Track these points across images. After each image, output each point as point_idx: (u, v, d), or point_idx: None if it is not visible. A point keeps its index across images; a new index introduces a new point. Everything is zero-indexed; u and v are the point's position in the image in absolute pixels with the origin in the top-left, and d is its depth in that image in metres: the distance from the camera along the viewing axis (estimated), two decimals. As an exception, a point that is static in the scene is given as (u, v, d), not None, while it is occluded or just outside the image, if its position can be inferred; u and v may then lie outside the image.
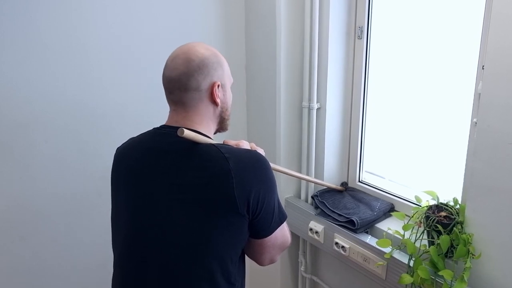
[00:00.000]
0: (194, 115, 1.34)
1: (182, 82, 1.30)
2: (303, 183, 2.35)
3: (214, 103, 1.36)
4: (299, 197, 2.40)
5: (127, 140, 1.45)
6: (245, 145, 1.45)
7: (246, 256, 1.44)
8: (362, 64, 2.11)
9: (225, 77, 1.38)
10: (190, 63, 1.29)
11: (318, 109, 2.20)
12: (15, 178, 1.93)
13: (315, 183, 2.23)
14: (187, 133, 1.22)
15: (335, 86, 2.16)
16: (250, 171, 1.26)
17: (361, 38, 2.09)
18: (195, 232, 1.25)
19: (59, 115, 1.96)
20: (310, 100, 2.20)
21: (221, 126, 1.45)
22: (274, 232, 1.35)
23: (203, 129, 1.35)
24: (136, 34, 2.08)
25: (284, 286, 2.57)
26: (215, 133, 1.46)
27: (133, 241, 1.33)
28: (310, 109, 2.21)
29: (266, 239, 1.35)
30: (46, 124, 1.94)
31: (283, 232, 1.40)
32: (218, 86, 1.34)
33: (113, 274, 1.42)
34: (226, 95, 1.40)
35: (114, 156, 1.45)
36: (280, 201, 1.38)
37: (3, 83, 1.82)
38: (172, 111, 1.37)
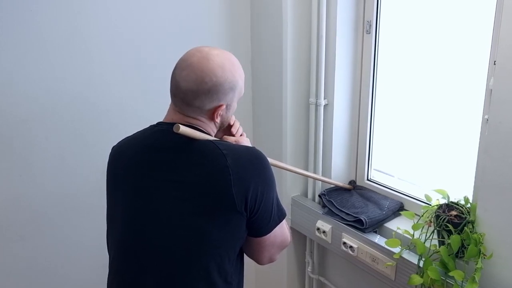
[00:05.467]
0: (193, 122, 1.32)
1: (188, 98, 1.26)
2: (310, 181, 2.32)
3: (213, 120, 1.33)
4: (306, 196, 2.38)
5: (123, 139, 1.44)
6: (245, 141, 1.44)
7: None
8: (370, 59, 2.09)
9: (235, 98, 1.34)
10: (202, 85, 1.24)
11: (325, 105, 2.17)
12: (15, 176, 1.91)
13: (323, 181, 2.21)
14: (183, 129, 1.22)
15: (343, 82, 2.13)
16: (249, 168, 1.25)
17: (369, 33, 2.06)
18: (192, 230, 1.25)
19: (60, 111, 1.95)
20: (317, 96, 2.18)
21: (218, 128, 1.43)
22: (273, 231, 1.35)
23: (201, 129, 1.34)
24: (140, 30, 2.06)
25: (290, 287, 2.55)
26: None
27: (130, 239, 1.32)
28: (317, 105, 2.18)
29: (264, 237, 1.34)
30: (46, 120, 1.93)
31: (282, 231, 1.40)
32: (223, 108, 1.31)
33: (109, 274, 1.41)
34: (229, 112, 1.37)
35: (110, 154, 1.44)
36: (285, 199, 1.36)
37: (2, 79, 1.81)
38: (172, 109, 1.35)
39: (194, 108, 1.28)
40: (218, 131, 1.42)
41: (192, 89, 1.25)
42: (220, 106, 1.29)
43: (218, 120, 1.33)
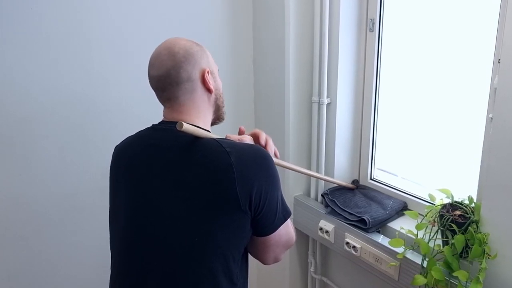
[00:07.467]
0: (191, 108, 1.33)
1: (173, 76, 1.29)
2: (313, 181, 2.31)
3: (208, 90, 1.36)
4: (309, 195, 2.37)
5: (126, 138, 1.44)
6: (248, 140, 1.44)
7: (251, 256, 1.43)
8: (373, 57, 2.07)
9: (211, 64, 1.39)
10: (176, 56, 1.29)
11: (328, 104, 2.16)
12: (15, 176, 1.91)
13: (325, 180, 2.20)
14: (187, 127, 1.20)
15: (346, 81, 2.12)
16: (253, 165, 1.24)
17: (372, 31, 2.05)
18: (197, 230, 1.23)
19: (60, 110, 1.94)
20: (320, 94, 2.16)
21: (217, 116, 1.45)
22: (278, 230, 1.33)
23: (201, 122, 1.34)
24: (141, 29, 2.05)
25: (293, 287, 2.54)
26: (212, 125, 1.45)
27: (133, 240, 1.31)
28: (320, 104, 2.17)
29: (269, 237, 1.33)
30: (46, 120, 1.92)
31: (287, 230, 1.38)
32: (208, 72, 1.35)
33: (111, 274, 1.40)
34: (217, 81, 1.41)
35: (113, 154, 1.44)
36: (287, 199, 1.35)
37: (2, 77, 1.80)
38: (166, 108, 1.37)
39: (184, 83, 1.31)
40: (214, 118, 1.45)
41: (171, 65, 1.29)
42: (204, 70, 1.33)
43: (211, 87, 1.35)
